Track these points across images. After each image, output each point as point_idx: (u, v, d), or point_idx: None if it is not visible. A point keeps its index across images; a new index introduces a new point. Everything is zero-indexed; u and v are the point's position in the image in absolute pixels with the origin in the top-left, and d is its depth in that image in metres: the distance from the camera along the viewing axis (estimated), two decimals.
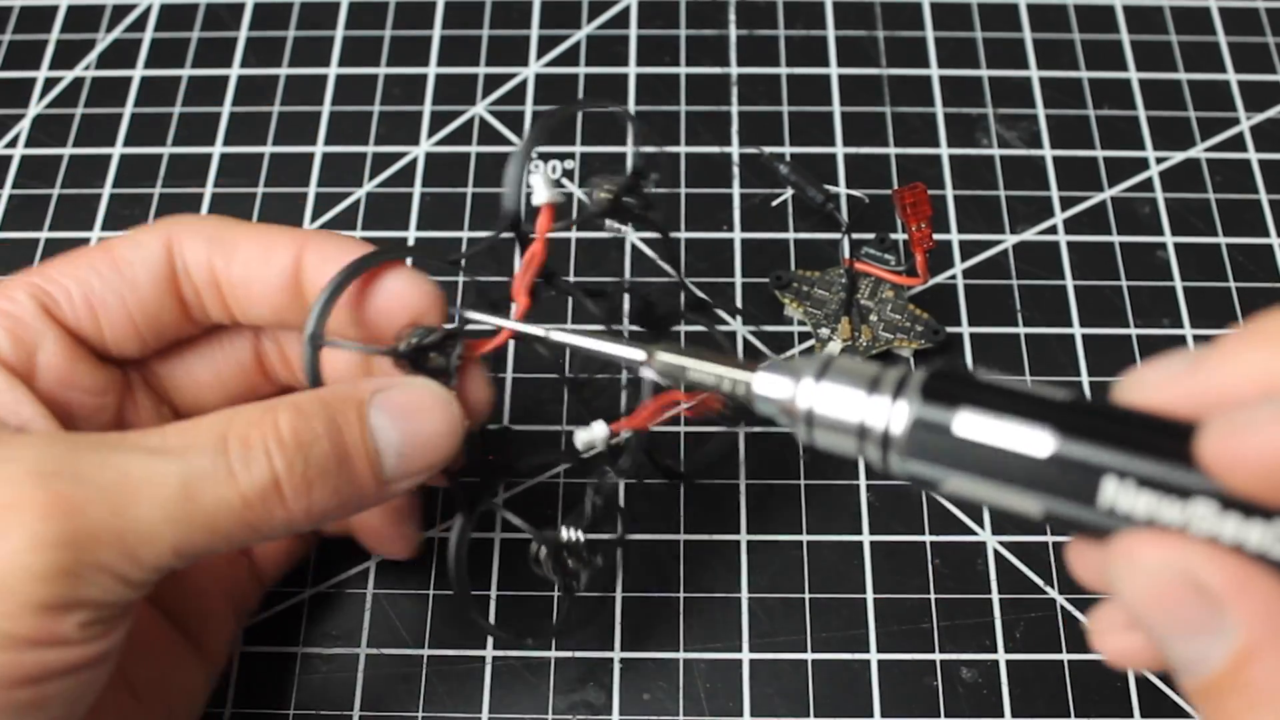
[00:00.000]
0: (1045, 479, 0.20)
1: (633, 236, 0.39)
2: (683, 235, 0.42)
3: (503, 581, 0.36)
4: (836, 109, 0.45)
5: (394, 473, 0.26)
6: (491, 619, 0.35)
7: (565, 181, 0.43)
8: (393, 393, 0.26)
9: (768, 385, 0.23)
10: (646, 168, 0.31)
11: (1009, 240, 0.42)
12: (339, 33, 0.47)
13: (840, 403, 0.22)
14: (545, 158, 0.44)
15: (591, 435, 0.31)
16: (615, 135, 0.44)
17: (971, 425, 0.20)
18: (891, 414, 0.21)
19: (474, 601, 0.31)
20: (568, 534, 0.31)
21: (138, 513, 0.23)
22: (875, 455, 0.22)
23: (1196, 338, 0.40)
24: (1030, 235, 0.42)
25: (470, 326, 0.29)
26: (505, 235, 0.29)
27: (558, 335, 0.28)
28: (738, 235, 0.42)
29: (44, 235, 0.43)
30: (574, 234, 0.41)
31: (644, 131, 0.31)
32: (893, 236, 0.40)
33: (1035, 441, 0.20)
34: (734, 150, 0.44)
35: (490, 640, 0.34)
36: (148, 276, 0.28)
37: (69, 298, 0.28)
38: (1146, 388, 0.20)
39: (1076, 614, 0.35)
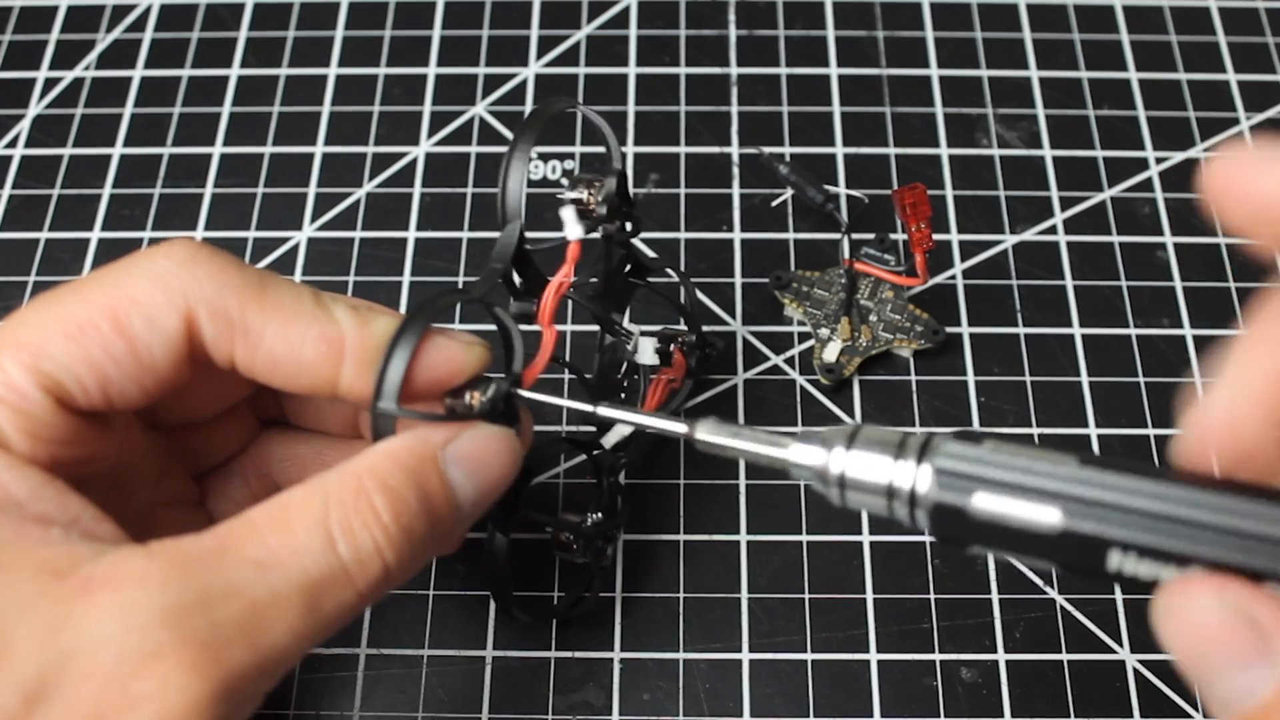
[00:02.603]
0: (1056, 548, 0.22)
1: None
2: (683, 235, 0.42)
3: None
4: (836, 109, 0.45)
5: (468, 518, 0.27)
6: (491, 618, 0.35)
7: (565, 181, 0.43)
8: (463, 444, 0.26)
9: (802, 455, 0.25)
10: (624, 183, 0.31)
11: (1009, 240, 0.42)
12: (339, 33, 0.47)
13: (869, 467, 0.24)
14: (545, 158, 0.44)
15: (621, 434, 0.33)
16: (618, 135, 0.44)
17: (986, 504, 0.22)
18: (916, 476, 0.23)
19: (516, 600, 0.33)
20: (591, 517, 0.33)
21: (272, 639, 0.23)
22: (904, 513, 0.24)
23: (1196, 338, 0.40)
24: (1030, 235, 0.42)
25: (520, 391, 0.28)
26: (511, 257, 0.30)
27: (605, 411, 0.28)
28: (738, 235, 0.42)
29: (44, 235, 0.43)
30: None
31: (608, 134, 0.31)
32: (892, 236, 0.40)
33: (1045, 518, 0.22)
34: (734, 150, 0.44)
35: (490, 640, 0.34)
36: (166, 359, 0.26)
37: (84, 390, 0.25)
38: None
39: (1076, 614, 0.35)
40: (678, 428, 0.27)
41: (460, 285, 0.41)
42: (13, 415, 0.24)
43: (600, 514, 0.33)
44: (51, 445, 0.25)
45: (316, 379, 0.26)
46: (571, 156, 0.44)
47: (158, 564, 0.22)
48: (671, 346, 0.35)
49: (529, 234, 0.30)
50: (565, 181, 0.43)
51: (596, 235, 0.32)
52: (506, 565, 0.30)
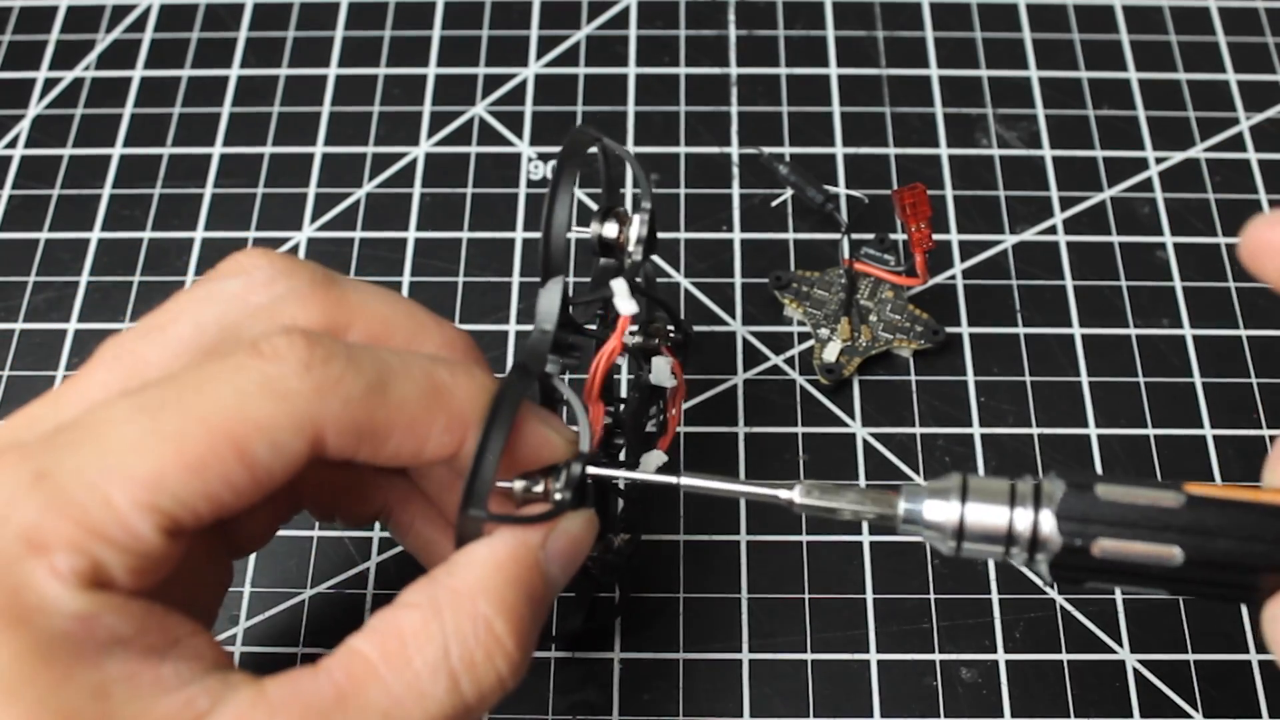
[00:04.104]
0: (1177, 579, 0.24)
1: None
2: (682, 235, 0.42)
3: None
4: (836, 109, 0.45)
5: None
6: None
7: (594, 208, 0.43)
8: (559, 541, 0.26)
9: (914, 511, 0.26)
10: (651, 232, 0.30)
11: (1009, 240, 0.42)
12: (339, 33, 0.47)
13: (987, 518, 0.25)
14: (546, 158, 0.44)
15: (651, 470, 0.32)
16: (614, 136, 0.44)
17: (1109, 546, 0.24)
18: (1039, 523, 0.24)
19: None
20: (617, 539, 0.32)
21: None
22: (1021, 559, 0.25)
23: (1196, 338, 0.40)
24: (1030, 235, 0.42)
25: (593, 469, 0.27)
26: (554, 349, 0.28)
27: (689, 480, 0.27)
28: (737, 235, 0.42)
29: (44, 235, 0.43)
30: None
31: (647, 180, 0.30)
32: (892, 237, 0.40)
33: (1167, 554, 0.23)
34: (734, 150, 0.44)
35: None
36: (284, 476, 0.23)
37: (198, 521, 0.23)
38: None
39: (1076, 614, 0.35)
40: (779, 493, 0.26)
41: (460, 282, 0.41)
42: (122, 555, 0.22)
43: (626, 534, 0.33)
44: (154, 574, 0.23)
45: (435, 458, 0.25)
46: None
47: (302, 712, 0.22)
48: (660, 345, 0.35)
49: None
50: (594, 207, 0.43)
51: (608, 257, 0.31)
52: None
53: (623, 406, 0.31)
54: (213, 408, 0.22)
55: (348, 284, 0.27)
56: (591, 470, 0.27)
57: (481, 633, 0.23)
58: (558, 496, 0.26)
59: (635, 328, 0.35)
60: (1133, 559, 0.24)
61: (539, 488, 0.26)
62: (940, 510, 0.25)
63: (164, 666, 0.22)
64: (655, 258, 0.41)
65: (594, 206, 0.31)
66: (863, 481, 0.37)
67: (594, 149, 0.30)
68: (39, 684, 0.21)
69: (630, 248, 0.29)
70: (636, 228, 0.29)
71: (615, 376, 0.35)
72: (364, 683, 0.23)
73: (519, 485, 0.26)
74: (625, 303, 0.28)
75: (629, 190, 0.42)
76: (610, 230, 0.29)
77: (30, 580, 0.21)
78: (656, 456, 0.32)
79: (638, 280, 0.31)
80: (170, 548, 0.23)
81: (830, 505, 0.26)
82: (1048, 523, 0.24)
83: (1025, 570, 0.35)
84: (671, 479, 0.27)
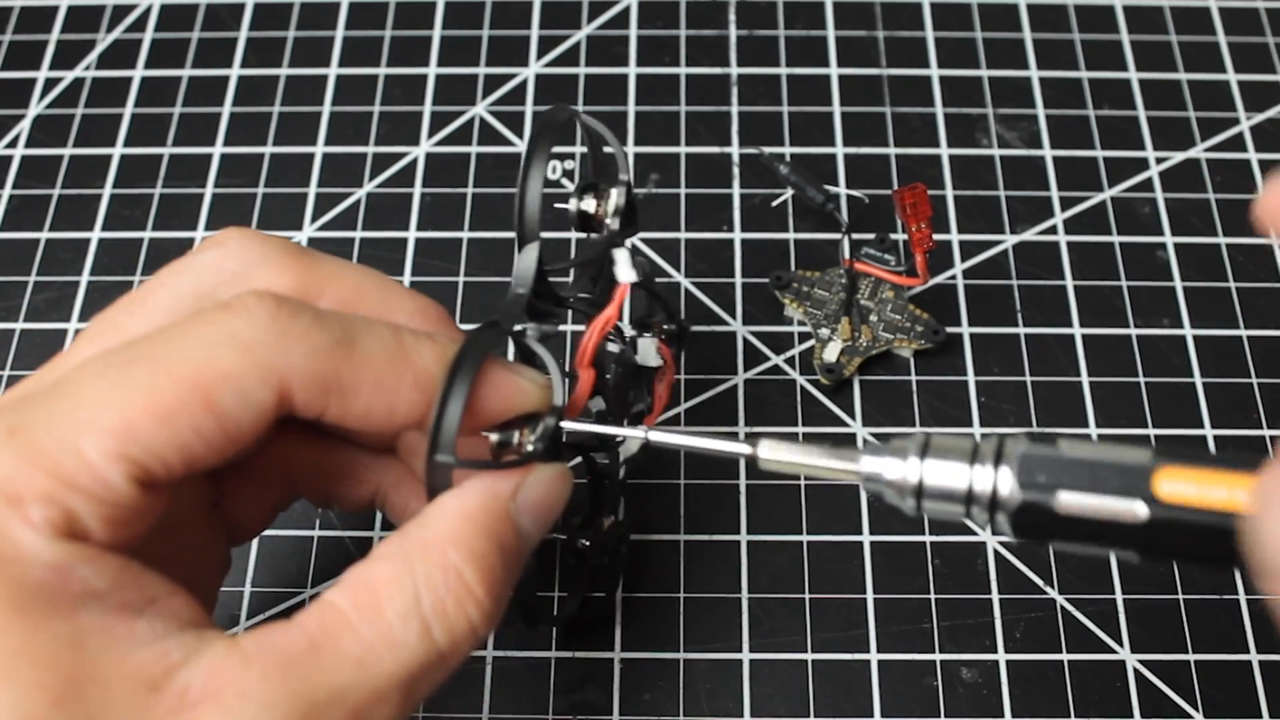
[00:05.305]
0: (1142, 538, 0.23)
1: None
2: (683, 235, 0.42)
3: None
4: (836, 109, 0.45)
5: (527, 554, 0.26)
6: None
7: (566, 182, 0.43)
8: (531, 491, 0.26)
9: (877, 467, 0.25)
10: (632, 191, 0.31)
11: (1009, 240, 0.42)
12: (339, 33, 0.47)
13: (946, 475, 0.24)
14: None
15: (637, 443, 0.32)
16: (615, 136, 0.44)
17: (1071, 501, 0.23)
18: (997, 480, 0.24)
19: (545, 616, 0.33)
20: (606, 521, 0.32)
21: None
22: (982, 518, 0.24)
23: (1196, 338, 0.40)
24: (1030, 235, 0.42)
25: (566, 425, 0.27)
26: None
27: (657, 436, 0.28)
28: (738, 235, 0.42)
29: (44, 235, 0.43)
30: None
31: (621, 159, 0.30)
32: (893, 236, 0.40)
33: (1131, 510, 0.23)
34: (734, 150, 0.44)
35: (490, 640, 0.34)
36: (254, 429, 0.24)
37: (168, 471, 0.23)
38: None
39: (1076, 614, 0.35)
40: (741, 449, 0.26)
41: (460, 282, 0.41)
42: (95, 505, 0.22)
43: (613, 516, 0.33)
44: (129, 526, 0.23)
45: (407, 420, 0.26)
46: (572, 156, 0.44)
47: (256, 672, 0.22)
48: (656, 339, 0.35)
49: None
50: (569, 184, 0.43)
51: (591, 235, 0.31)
52: (534, 585, 0.30)
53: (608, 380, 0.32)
54: (180, 359, 0.23)
55: (319, 255, 0.28)
56: (565, 424, 0.27)
57: (452, 581, 0.24)
58: (530, 448, 0.26)
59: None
60: (1096, 516, 0.23)
61: (514, 441, 0.26)
62: (899, 468, 0.25)
63: (139, 622, 0.22)
64: (655, 257, 0.41)
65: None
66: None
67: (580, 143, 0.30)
68: (13, 632, 0.21)
69: (608, 220, 0.30)
70: (614, 200, 0.30)
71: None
72: (336, 632, 0.23)
73: (494, 438, 0.26)
74: (626, 271, 0.28)
75: (631, 170, 0.42)
76: (588, 204, 0.30)
77: (5, 530, 0.22)
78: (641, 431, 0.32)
79: (635, 260, 0.32)
80: (144, 499, 0.23)
81: (793, 460, 0.26)
82: (1006, 480, 0.23)
83: (987, 536, 0.35)
84: (639, 433, 0.28)
